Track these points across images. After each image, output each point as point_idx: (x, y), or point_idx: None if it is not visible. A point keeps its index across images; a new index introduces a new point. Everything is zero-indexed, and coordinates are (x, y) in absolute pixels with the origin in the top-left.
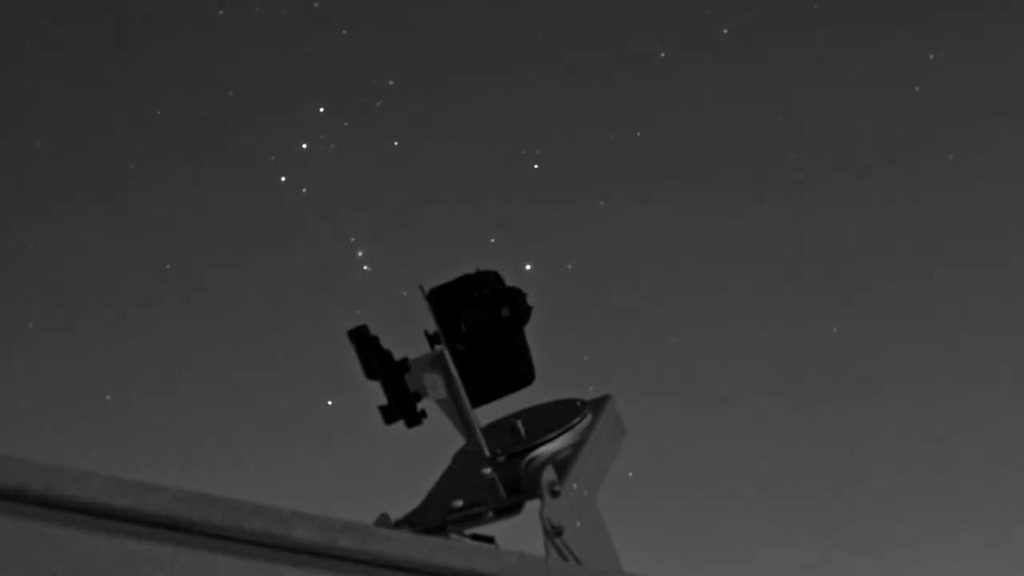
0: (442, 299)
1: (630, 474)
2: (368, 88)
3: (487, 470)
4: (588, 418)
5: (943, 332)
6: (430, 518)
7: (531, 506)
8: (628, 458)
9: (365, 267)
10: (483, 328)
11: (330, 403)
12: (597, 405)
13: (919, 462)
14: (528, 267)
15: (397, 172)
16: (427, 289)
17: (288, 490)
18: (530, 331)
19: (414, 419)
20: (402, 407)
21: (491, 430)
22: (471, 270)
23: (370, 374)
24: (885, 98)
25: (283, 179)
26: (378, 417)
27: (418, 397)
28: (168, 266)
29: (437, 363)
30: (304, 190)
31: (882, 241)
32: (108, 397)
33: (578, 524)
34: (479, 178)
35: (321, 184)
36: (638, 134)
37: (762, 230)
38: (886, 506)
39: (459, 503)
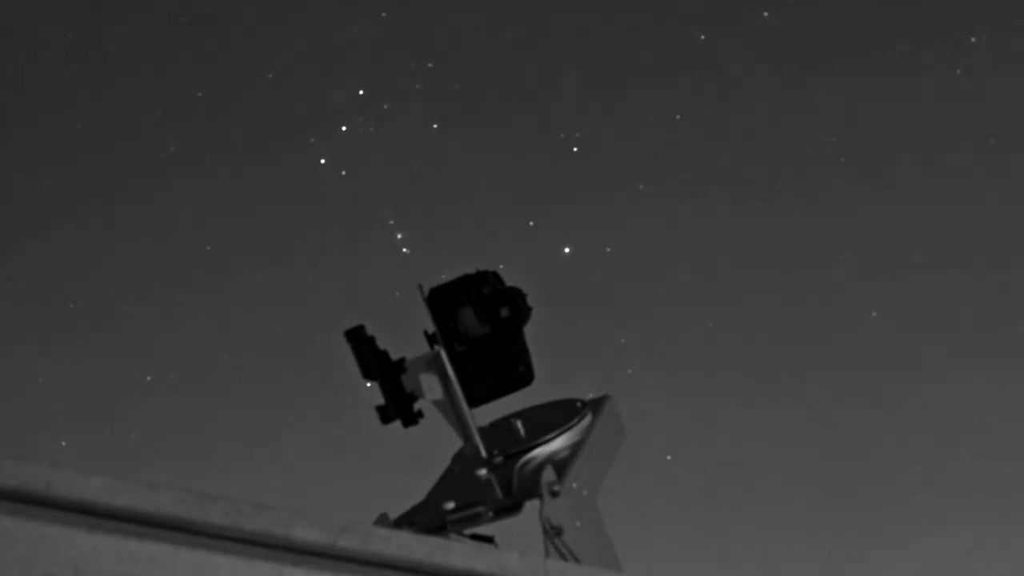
0: (441, 299)
1: (668, 457)
2: (407, 71)
3: (482, 471)
4: (588, 418)
5: (991, 327)
6: (428, 518)
7: (531, 506)
8: (667, 440)
9: (404, 250)
10: (481, 329)
11: (369, 385)
12: (597, 405)
13: (951, 464)
14: (567, 250)
15: (436, 155)
16: (427, 289)
17: (288, 490)
18: (564, 316)
19: (410, 419)
20: (398, 407)
21: (491, 430)
22: (471, 270)
23: (367, 374)
24: (926, 82)
25: (322, 161)
26: (377, 416)
27: (415, 397)
28: (208, 247)
29: (433, 364)
30: (343, 172)
31: (923, 226)
32: (148, 378)
33: (578, 524)
34: (518, 161)
35: (360, 167)
36: (677, 117)
37: (802, 213)
38: (915, 505)
39: (450, 505)
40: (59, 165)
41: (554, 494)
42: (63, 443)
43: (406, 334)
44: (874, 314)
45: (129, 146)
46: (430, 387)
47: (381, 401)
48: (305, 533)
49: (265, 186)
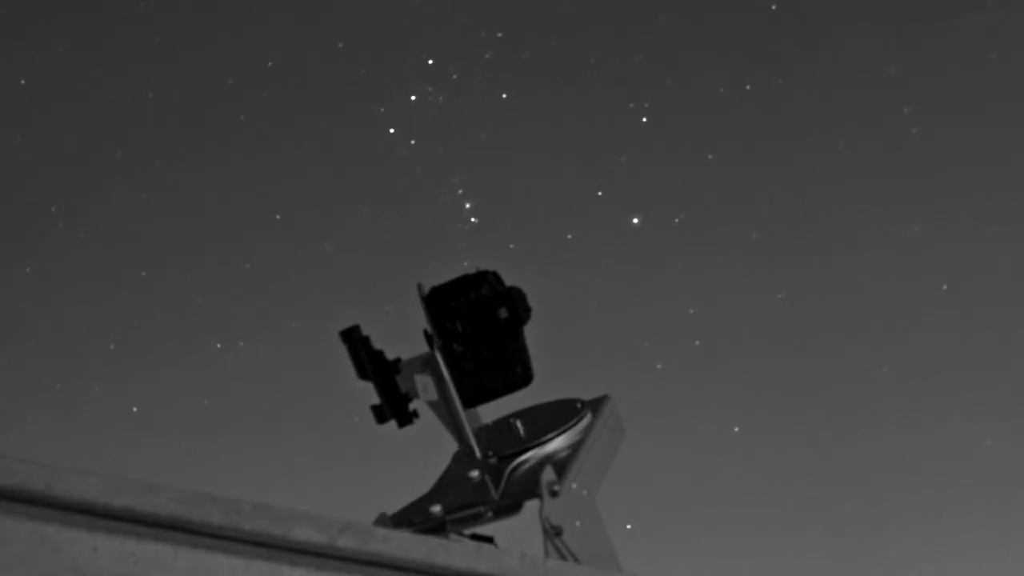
0: (440, 299)
1: (736, 429)
2: (477, 40)
3: (475, 472)
4: (587, 418)
5: None
6: (427, 518)
7: (531, 506)
8: (734, 410)
9: (472, 219)
10: (480, 329)
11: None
12: (596, 405)
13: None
14: (635, 221)
15: (505, 124)
16: (427, 288)
17: (288, 490)
18: (631, 286)
19: (405, 419)
20: (393, 407)
21: (490, 430)
22: (471, 270)
23: (362, 374)
24: (1001, 56)
25: (392, 131)
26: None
27: (410, 398)
28: (278, 216)
29: (428, 365)
30: (412, 142)
31: (998, 202)
32: (218, 345)
33: (577, 524)
34: (586, 130)
35: (429, 136)
36: (748, 88)
37: (874, 186)
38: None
39: (437, 508)
40: (129, 134)
41: (554, 494)
42: (134, 409)
43: None
44: (944, 287)
45: (198, 116)
46: (425, 388)
47: (378, 400)
48: (304, 533)
49: (334, 156)
